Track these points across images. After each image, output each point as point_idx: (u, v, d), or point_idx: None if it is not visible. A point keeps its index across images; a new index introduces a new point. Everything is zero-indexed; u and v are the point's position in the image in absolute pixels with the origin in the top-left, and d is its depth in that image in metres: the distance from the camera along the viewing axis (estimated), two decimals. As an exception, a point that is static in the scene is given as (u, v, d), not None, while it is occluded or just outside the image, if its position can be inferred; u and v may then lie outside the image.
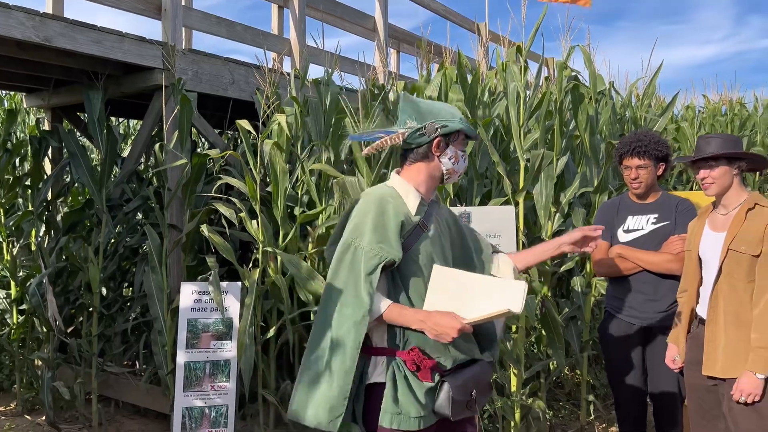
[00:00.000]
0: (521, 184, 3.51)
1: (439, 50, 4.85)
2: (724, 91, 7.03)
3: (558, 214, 3.84)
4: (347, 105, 3.53)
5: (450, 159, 1.99)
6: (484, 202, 4.03)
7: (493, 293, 1.84)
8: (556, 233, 4.07)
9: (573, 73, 3.96)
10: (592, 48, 4.41)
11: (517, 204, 3.51)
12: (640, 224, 2.95)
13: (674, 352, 2.67)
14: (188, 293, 3.48)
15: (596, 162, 4.01)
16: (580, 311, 4.03)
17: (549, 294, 3.75)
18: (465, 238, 2.15)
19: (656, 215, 2.93)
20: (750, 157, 2.45)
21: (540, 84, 3.95)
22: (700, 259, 2.55)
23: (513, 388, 3.46)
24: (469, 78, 4.06)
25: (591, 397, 4.10)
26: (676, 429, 2.98)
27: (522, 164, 3.52)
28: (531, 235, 3.84)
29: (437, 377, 1.87)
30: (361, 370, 1.87)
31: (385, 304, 1.84)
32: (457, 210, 3.17)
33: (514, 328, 3.48)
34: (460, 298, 1.85)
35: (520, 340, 3.43)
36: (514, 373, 3.47)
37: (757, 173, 6.23)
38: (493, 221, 3.23)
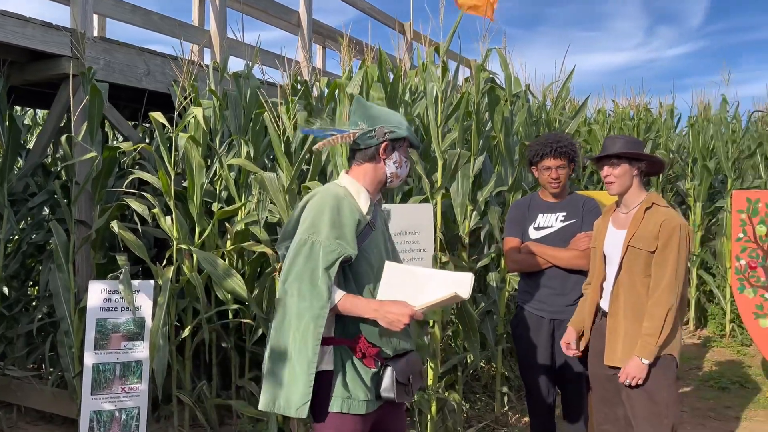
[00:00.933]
0: (439, 183, 3.59)
1: (363, 48, 4.87)
2: (632, 97, 7.44)
3: (474, 212, 3.94)
4: (266, 99, 3.48)
5: (395, 163, 2.10)
6: (405, 200, 4.09)
7: (441, 283, 1.95)
8: (473, 231, 4.19)
9: (490, 76, 4.08)
10: (509, 51, 4.56)
11: (435, 202, 3.58)
12: (550, 222, 3.09)
13: (572, 336, 2.79)
14: (97, 292, 3.34)
15: (511, 162, 4.15)
16: (495, 305, 4.17)
17: (466, 289, 3.85)
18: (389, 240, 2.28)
19: (564, 213, 3.07)
20: (649, 158, 2.62)
21: (459, 84, 4.05)
22: (604, 255, 2.70)
23: (430, 382, 3.53)
24: (391, 77, 4.10)
25: (505, 389, 4.25)
26: (582, 416, 3.13)
27: (440, 163, 3.59)
28: (449, 232, 3.93)
29: (379, 364, 1.98)
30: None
31: (339, 295, 1.93)
32: (376, 207, 3.20)
33: (431, 323, 3.56)
34: (411, 289, 1.95)
35: (437, 335, 3.51)
36: (431, 366, 3.54)
37: (659, 175, 6.65)
38: (412, 218, 3.28)
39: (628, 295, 2.54)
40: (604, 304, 2.67)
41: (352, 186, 2.08)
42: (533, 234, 3.10)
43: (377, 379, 1.98)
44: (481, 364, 4.73)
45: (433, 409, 3.51)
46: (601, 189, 5.98)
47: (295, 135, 3.75)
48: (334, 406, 1.93)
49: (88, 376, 3.30)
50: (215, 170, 3.99)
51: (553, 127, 5.21)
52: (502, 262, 4.16)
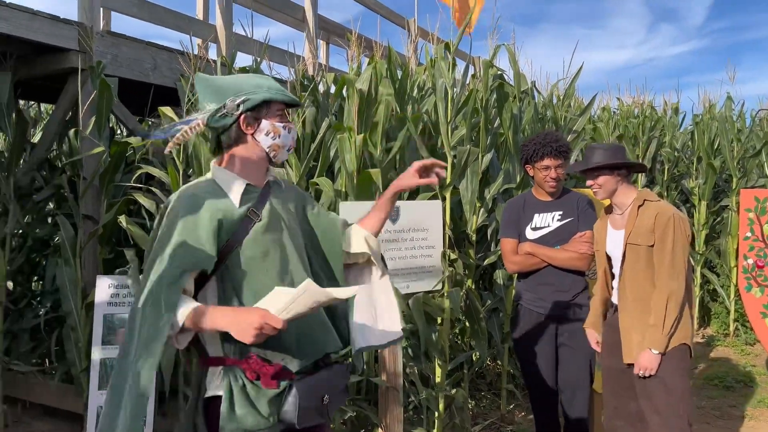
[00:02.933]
0: (448, 180, 3.58)
1: (370, 44, 4.86)
2: (636, 95, 7.44)
3: (482, 209, 3.94)
4: (276, 96, 3.46)
5: (268, 134, 1.75)
6: (413, 196, 4.08)
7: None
8: (480, 228, 4.19)
9: (498, 72, 4.07)
10: (517, 48, 4.55)
11: (444, 199, 3.57)
12: (546, 221, 3.09)
13: (594, 336, 2.86)
14: (104, 287, 3.33)
15: (519, 159, 4.14)
16: (502, 303, 4.16)
17: (473, 287, 3.85)
18: (308, 224, 1.92)
19: (560, 212, 3.07)
20: (628, 165, 2.66)
21: (467, 82, 4.04)
22: (608, 256, 2.76)
23: (437, 380, 3.53)
24: (399, 73, 4.09)
25: (511, 387, 4.25)
26: (585, 414, 3.13)
27: (449, 160, 3.58)
28: (457, 229, 3.92)
29: (284, 382, 1.67)
30: (199, 382, 1.73)
31: (182, 314, 1.57)
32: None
33: (439, 320, 3.55)
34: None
35: (445, 332, 3.51)
36: (438, 364, 3.54)
37: (665, 174, 6.65)
38: (421, 215, 3.27)
39: (632, 290, 2.61)
40: (616, 299, 2.72)
41: (222, 176, 1.75)
42: (530, 234, 3.10)
43: (280, 400, 1.67)
44: (487, 361, 4.73)
45: (441, 406, 3.51)
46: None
47: (303, 132, 3.73)
48: None
49: (96, 372, 3.29)
50: (222, 166, 3.98)
51: (559, 125, 5.21)
52: (509, 259, 4.15)
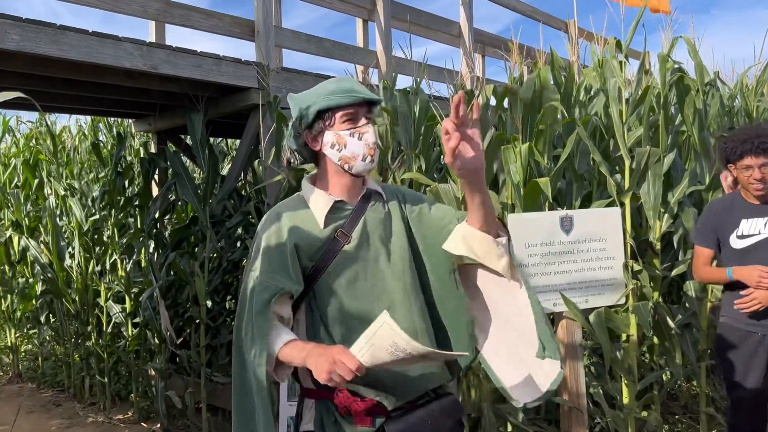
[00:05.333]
0: (627, 184, 3.33)
1: (530, 52, 4.74)
2: None
3: (666, 215, 3.61)
4: (439, 112, 3.49)
5: (334, 147, 1.56)
6: (585, 204, 3.86)
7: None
8: (664, 235, 3.84)
9: (677, 65, 3.73)
10: (696, 38, 4.15)
11: (622, 205, 3.33)
12: (757, 228, 2.71)
13: None
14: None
15: (707, 158, 3.75)
16: (695, 318, 3.76)
17: (660, 300, 3.53)
18: (412, 232, 1.69)
19: None
20: None
21: (641, 79, 3.76)
22: None
23: (626, 400, 3.27)
24: (563, 77, 3.92)
25: (711, 410, 3.81)
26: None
27: (627, 163, 3.34)
28: (638, 237, 3.63)
29: (379, 420, 1.53)
30: (296, 415, 1.66)
31: (279, 344, 1.49)
32: (559, 213, 3.05)
33: (624, 336, 3.30)
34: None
35: (632, 350, 3.24)
36: (625, 384, 3.28)
37: None
38: (598, 224, 3.09)
39: None
40: None
41: (309, 192, 1.63)
42: (736, 243, 2.74)
43: None
44: (680, 382, 4.30)
45: (631, 430, 3.24)
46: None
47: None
48: None
49: (285, 384, 3.51)
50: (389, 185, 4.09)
51: (752, 118, 4.64)
52: (702, 269, 3.75)
